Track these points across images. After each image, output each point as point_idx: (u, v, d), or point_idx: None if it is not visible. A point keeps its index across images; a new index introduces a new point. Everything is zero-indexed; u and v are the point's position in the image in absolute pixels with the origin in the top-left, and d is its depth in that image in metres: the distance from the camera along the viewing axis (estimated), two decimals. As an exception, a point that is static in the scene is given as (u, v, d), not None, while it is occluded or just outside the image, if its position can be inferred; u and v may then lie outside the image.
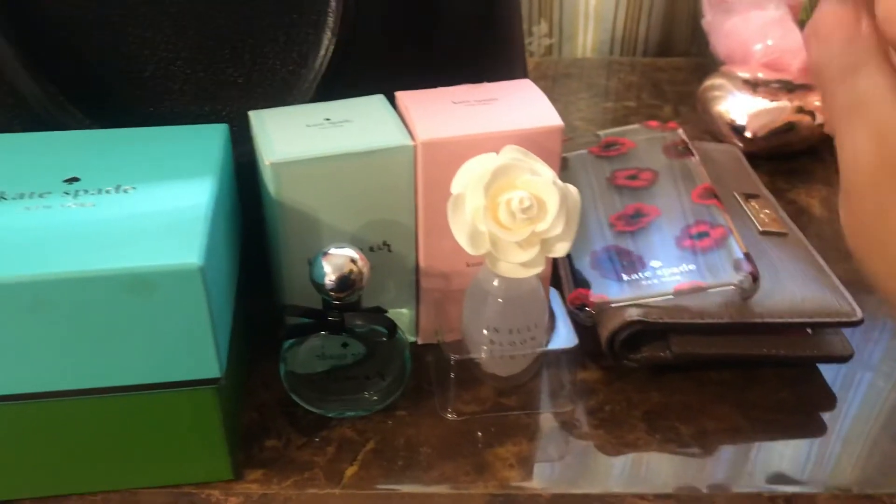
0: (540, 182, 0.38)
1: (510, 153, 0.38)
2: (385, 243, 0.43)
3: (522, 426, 0.42)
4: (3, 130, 0.42)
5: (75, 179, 0.37)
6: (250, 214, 0.44)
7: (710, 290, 0.43)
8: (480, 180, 0.38)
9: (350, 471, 0.39)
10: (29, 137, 0.40)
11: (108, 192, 0.36)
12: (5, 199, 0.36)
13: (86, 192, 0.36)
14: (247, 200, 0.44)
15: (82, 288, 0.32)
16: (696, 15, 0.79)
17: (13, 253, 0.33)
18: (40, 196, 0.36)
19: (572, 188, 0.39)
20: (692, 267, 0.44)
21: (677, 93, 0.76)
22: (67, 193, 0.36)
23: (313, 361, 0.41)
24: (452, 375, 0.42)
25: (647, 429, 0.42)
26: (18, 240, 0.33)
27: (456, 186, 0.39)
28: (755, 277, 0.43)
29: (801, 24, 0.67)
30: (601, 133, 0.56)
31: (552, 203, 0.38)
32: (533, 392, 0.44)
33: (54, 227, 0.34)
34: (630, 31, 0.84)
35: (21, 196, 0.36)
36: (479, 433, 0.41)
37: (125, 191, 0.36)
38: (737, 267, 0.43)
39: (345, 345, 0.41)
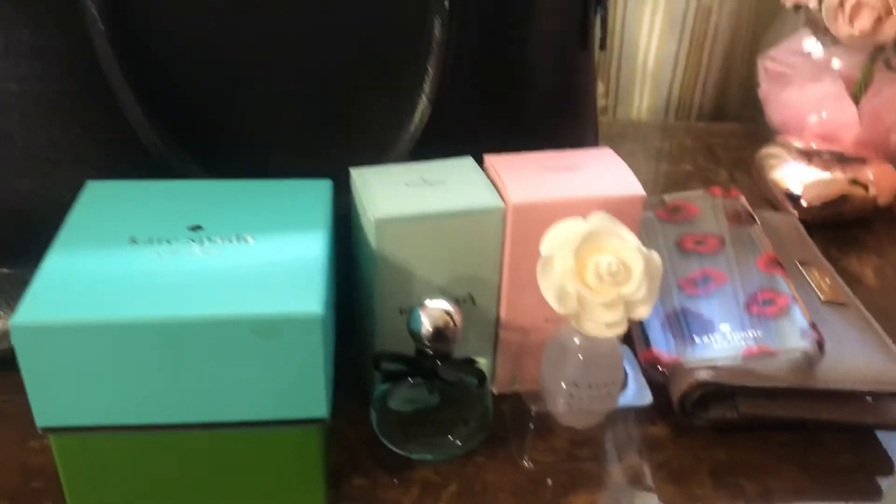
0: (626, 247, 0.40)
1: (598, 219, 0.41)
2: (470, 296, 0.46)
3: (594, 477, 0.44)
4: (123, 177, 0.45)
5: (198, 227, 0.40)
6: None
7: (776, 356, 0.45)
8: (570, 243, 0.40)
9: (435, 511, 0.42)
10: (151, 185, 0.44)
11: (229, 240, 0.39)
12: (136, 243, 0.39)
13: (209, 239, 0.39)
14: (337, 251, 0.47)
15: (213, 330, 0.35)
16: (750, 82, 0.82)
17: (150, 295, 0.36)
18: (168, 242, 0.39)
19: (655, 255, 0.41)
20: (759, 333, 0.46)
21: (732, 158, 0.79)
22: (192, 240, 0.39)
23: (401, 405, 0.44)
24: (531, 425, 0.44)
25: (714, 485, 0.44)
26: (154, 283, 0.36)
27: (545, 247, 0.41)
28: (821, 346, 0.45)
29: (856, 98, 0.69)
30: (666, 197, 0.59)
31: (637, 268, 0.40)
32: (604, 444, 0.46)
33: (185, 272, 0.37)
34: (685, 96, 0.87)
35: (150, 241, 0.39)
36: (554, 482, 0.44)
37: (245, 240, 0.39)
38: (803, 335, 0.46)
39: (431, 391, 0.44)
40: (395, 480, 0.43)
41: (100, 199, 0.42)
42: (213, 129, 0.46)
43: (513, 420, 0.47)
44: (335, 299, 0.45)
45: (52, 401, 0.36)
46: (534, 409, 0.44)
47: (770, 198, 0.69)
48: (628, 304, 0.41)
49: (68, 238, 0.39)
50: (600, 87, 0.89)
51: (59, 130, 0.45)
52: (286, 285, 0.36)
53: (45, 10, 0.43)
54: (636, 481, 0.44)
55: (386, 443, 0.44)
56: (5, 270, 0.49)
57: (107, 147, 0.46)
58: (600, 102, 0.90)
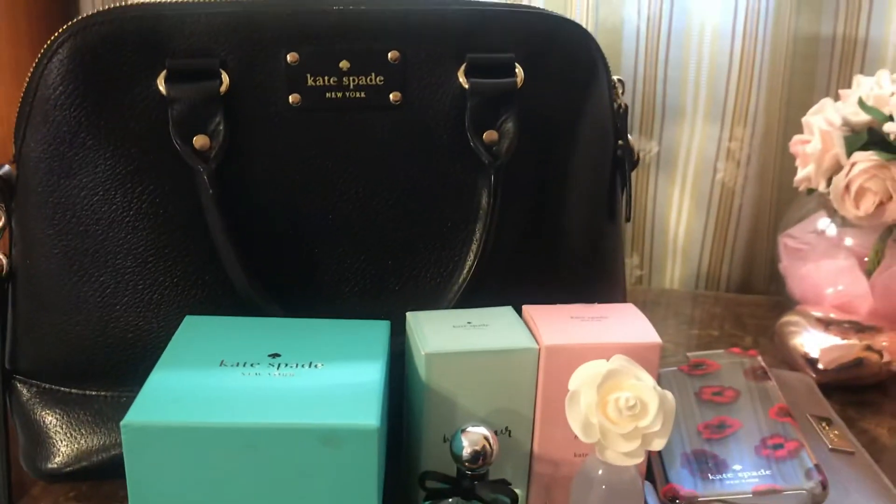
0: (643, 386, 0.46)
1: (619, 361, 0.47)
2: (506, 429, 0.52)
3: None
4: (215, 313, 0.53)
5: (277, 355, 0.48)
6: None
7: (784, 493, 0.50)
8: (594, 381, 0.46)
9: None
10: (239, 320, 0.52)
11: (302, 365, 0.47)
12: (225, 365, 0.46)
13: (286, 365, 0.47)
14: (391, 384, 0.54)
15: (285, 436, 0.42)
16: (773, 258, 0.89)
17: (235, 405, 0.43)
18: (251, 365, 0.46)
19: (668, 394, 0.47)
20: (768, 472, 0.51)
21: (757, 326, 0.84)
22: (272, 365, 0.46)
23: (442, 524, 0.49)
24: (559, 548, 0.49)
25: None
26: (239, 396, 0.43)
27: (573, 384, 0.47)
28: (824, 485, 0.49)
29: (869, 273, 0.76)
30: (689, 354, 0.65)
31: (653, 404, 0.46)
32: (627, 572, 0.50)
33: (264, 389, 0.44)
34: (714, 269, 0.95)
35: (237, 364, 0.46)
36: None
37: (316, 366, 0.47)
38: (808, 475, 0.50)
39: (469, 511, 0.49)
40: None
41: (196, 330, 0.50)
42: (292, 277, 0.55)
43: (543, 546, 0.51)
44: (387, 424, 0.51)
45: (149, 495, 0.42)
46: (562, 533, 0.49)
47: (790, 361, 0.75)
48: (645, 437, 0.46)
49: (169, 360, 0.47)
50: (636, 259, 0.97)
51: (164, 274, 0.54)
52: (348, 402, 0.43)
53: (164, 175, 0.53)
54: None
55: (427, 558, 0.49)
56: (104, 393, 0.56)
57: (203, 289, 0.54)
58: (636, 273, 0.98)
